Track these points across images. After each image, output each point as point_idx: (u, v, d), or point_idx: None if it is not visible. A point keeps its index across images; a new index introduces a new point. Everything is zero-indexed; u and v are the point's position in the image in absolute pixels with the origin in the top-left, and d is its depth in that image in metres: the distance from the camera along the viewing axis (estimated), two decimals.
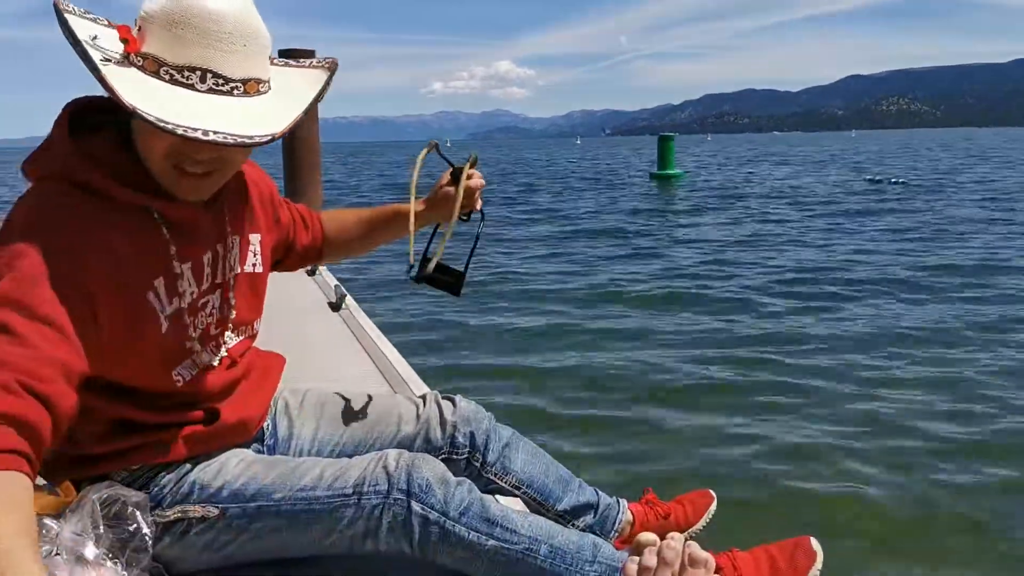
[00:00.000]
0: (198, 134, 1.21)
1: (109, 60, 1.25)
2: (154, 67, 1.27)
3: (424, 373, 3.21)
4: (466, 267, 1.84)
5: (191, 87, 1.27)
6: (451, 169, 1.87)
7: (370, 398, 1.91)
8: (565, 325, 7.57)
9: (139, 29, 1.28)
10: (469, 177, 1.84)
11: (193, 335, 1.51)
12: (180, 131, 1.20)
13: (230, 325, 1.61)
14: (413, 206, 1.84)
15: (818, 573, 1.66)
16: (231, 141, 1.23)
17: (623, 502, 1.99)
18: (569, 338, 7.04)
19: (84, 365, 1.25)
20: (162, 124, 1.19)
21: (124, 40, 1.27)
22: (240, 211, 1.63)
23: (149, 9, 1.27)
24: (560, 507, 1.87)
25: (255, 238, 1.67)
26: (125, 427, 1.48)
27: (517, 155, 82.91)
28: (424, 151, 1.83)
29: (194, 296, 1.50)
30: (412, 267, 1.80)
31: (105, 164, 1.34)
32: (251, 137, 1.26)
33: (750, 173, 35.45)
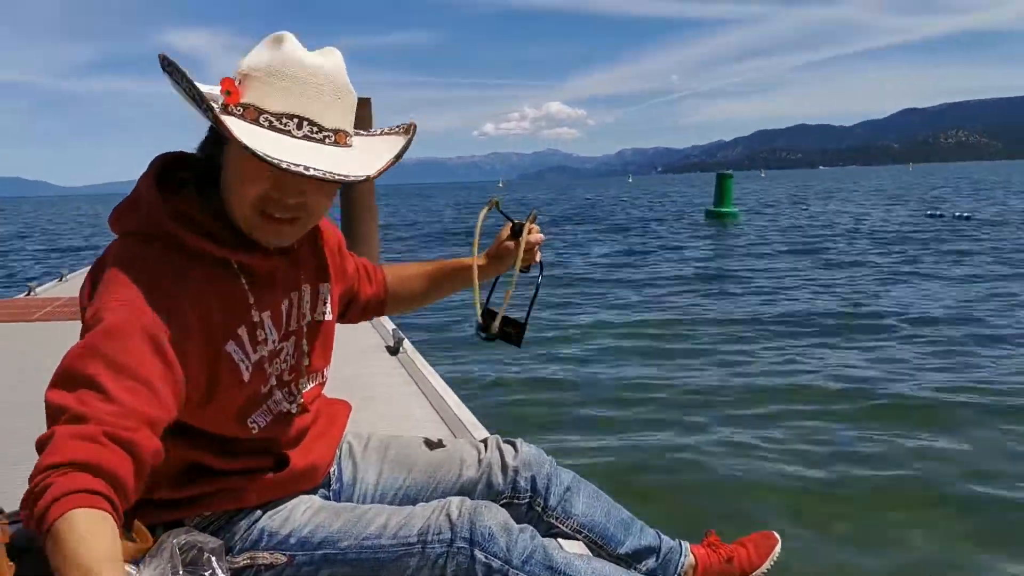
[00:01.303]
0: (300, 168, 1.29)
1: (213, 108, 1.34)
2: (254, 115, 1.35)
3: (482, 416, 3.23)
4: (526, 319, 1.87)
5: (288, 133, 1.36)
6: (511, 224, 1.91)
7: (432, 442, 1.93)
8: (626, 369, 7.50)
9: (239, 82, 1.37)
10: (529, 232, 1.88)
11: (272, 383, 1.57)
12: (284, 165, 1.28)
13: (304, 372, 1.65)
14: (476, 262, 1.89)
15: None
16: (329, 177, 1.32)
17: (685, 545, 1.97)
18: (630, 382, 6.96)
19: (169, 416, 1.30)
20: (269, 158, 1.27)
21: (227, 92, 1.36)
22: (312, 260, 1.69)
23: (253, 64, 1.37)
24: (621, 551, 1.86)
25: (325, 287, 1.72)
26: (198, 472, 1.52)
27: (570, 194, 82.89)
28: (485, 208, 1.89)
29: (274, 344, 1.55)
30: (479, 325, 1.85)
31: (191, 221, 1.41)
32: (347, 176, 1.34)
33: (804, 209, 34.95)
